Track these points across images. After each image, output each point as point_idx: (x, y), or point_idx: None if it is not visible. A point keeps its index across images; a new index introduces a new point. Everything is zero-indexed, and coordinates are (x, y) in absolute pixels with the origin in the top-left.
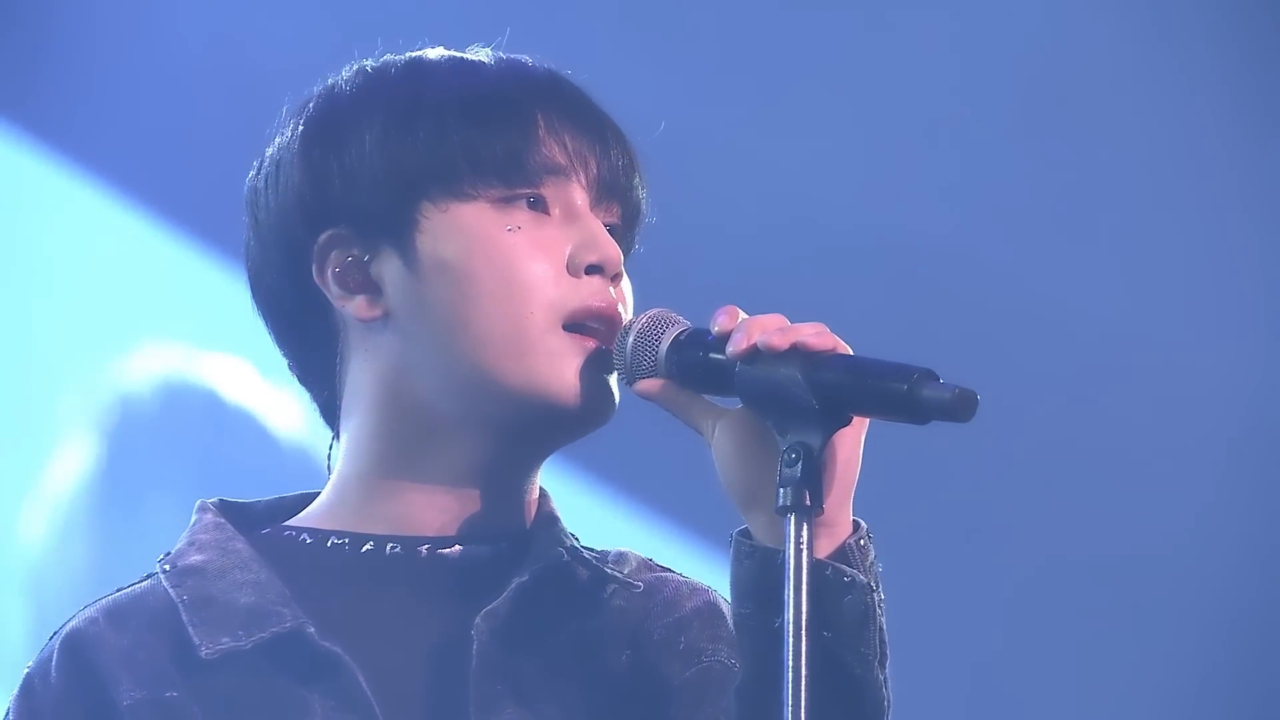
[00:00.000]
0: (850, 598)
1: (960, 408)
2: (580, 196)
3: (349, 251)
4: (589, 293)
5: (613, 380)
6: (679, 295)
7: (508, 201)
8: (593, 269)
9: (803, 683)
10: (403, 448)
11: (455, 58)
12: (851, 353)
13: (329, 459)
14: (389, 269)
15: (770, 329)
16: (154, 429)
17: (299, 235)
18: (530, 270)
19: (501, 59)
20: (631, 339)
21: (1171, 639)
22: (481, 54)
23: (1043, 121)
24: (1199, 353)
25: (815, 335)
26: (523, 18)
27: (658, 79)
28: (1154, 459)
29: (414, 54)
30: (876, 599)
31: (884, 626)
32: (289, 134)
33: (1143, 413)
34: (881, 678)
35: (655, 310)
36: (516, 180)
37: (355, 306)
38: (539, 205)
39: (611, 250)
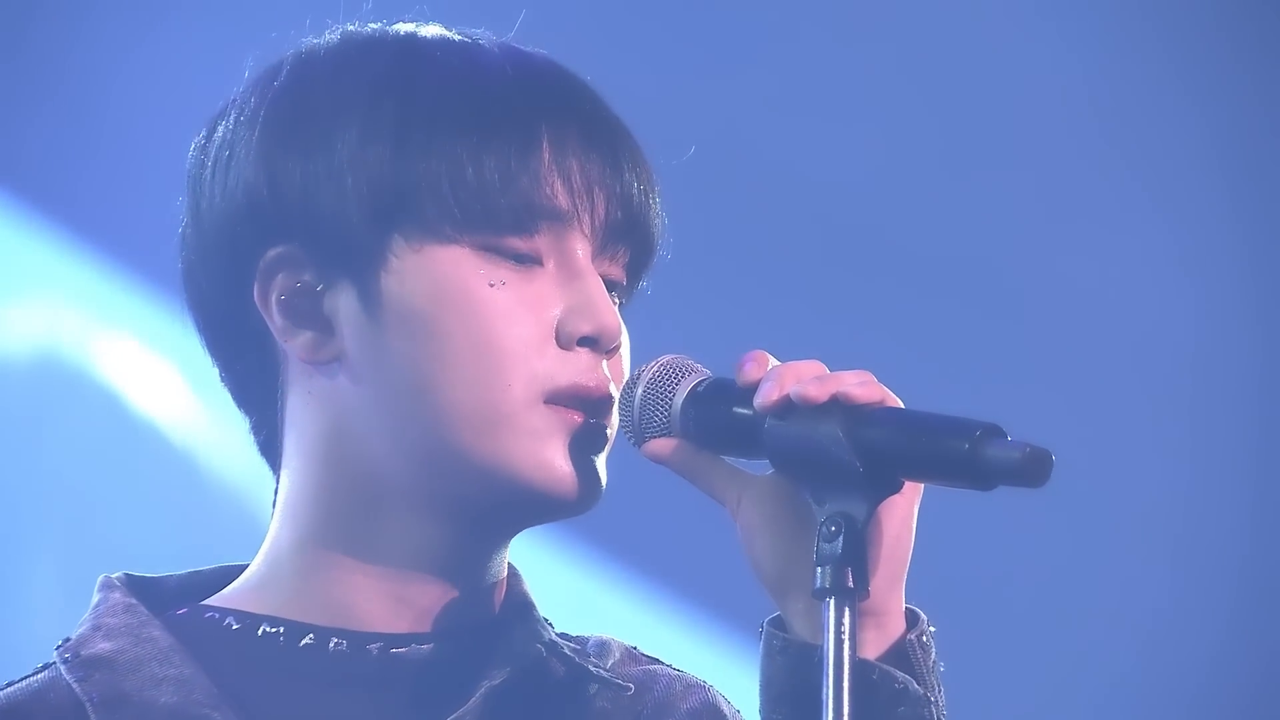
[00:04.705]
0: (903, 710)
1: (1031, 470)
2: (582, 247)
3: (300, 276)
4: (577, 370)
5: (601, 461)
6: (694, 338)
7: (494, 250)
8: (585, 341)
9: None
10: (346, 519)
11: (456, 51)
12: (902, 405)
13: (274, 505)
14: (345, 306)
15: (806, 378)
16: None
17: (244, 242)
18: (511, 336)
19: (510, 58)
20: (640, 391)
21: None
22: (484, 39)
23: (1056, 128)
24: (1199, 353)
25: (859, 385)
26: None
27: (655, 82)
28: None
29: (408, 31)
30: (935, 712)
31: None
32: (249, 111)
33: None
34: None
35: (668, 357)
36: (507, 227)
37: (299, 344)
38: (529, 257)
39: (609, 319)
